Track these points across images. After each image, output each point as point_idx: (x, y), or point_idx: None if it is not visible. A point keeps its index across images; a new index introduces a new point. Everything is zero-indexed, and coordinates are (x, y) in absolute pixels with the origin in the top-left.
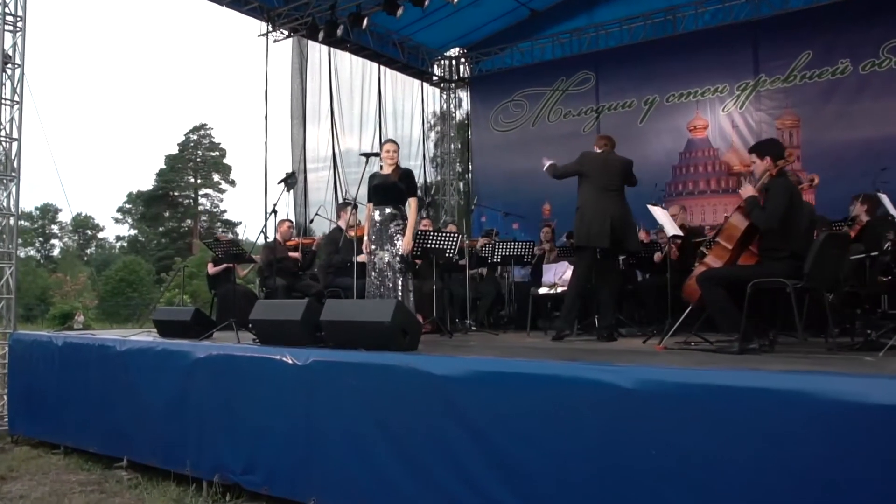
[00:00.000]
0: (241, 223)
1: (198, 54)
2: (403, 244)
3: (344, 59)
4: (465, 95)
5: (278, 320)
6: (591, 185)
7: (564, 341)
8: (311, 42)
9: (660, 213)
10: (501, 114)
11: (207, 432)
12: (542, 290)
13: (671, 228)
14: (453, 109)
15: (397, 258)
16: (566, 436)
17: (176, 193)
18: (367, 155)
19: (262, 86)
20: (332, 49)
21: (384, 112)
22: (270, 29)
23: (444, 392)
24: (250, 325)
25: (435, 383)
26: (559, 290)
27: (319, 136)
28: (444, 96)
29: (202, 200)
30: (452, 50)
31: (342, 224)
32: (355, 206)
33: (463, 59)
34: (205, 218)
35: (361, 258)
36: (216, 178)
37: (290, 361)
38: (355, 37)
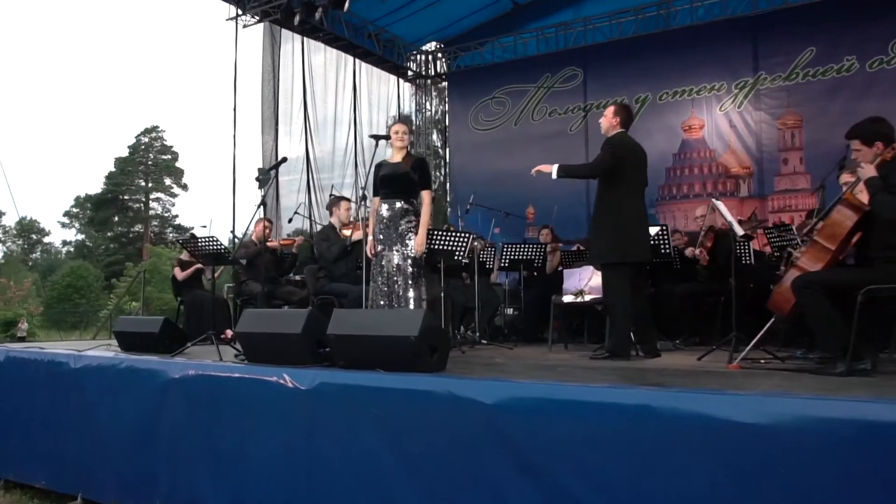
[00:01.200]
0: (206, 224)
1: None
2: (416, 244)
3: (318, 50)
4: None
5: (272, 334)
6: (628, 183)
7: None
8: (283, 31)
9: (725, 210)
10: (482, 112)
11: (183, 466)
12: (567, 299)
13: (739, 228)
14: (429, 107)
15: (408, 261)
16: (667, 480)
17: (126, 197)
18: (378, 137)
19: (219, 85)
20: (305, 39)
21: (359, 109)
22: (240, 12)
23: (498, 427)
24: (232, 339)
25: (485, 415)
26: (588, 298)
27: (292, 133)
28: (420, 93)
29: (153, 205)
30: (429, 44)
31: (335, 222)
32: (365, 197)
33: (440, 55)
34: (156, 223)
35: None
36: (168, 181)
37: (289, 384)
38: (330, 26)
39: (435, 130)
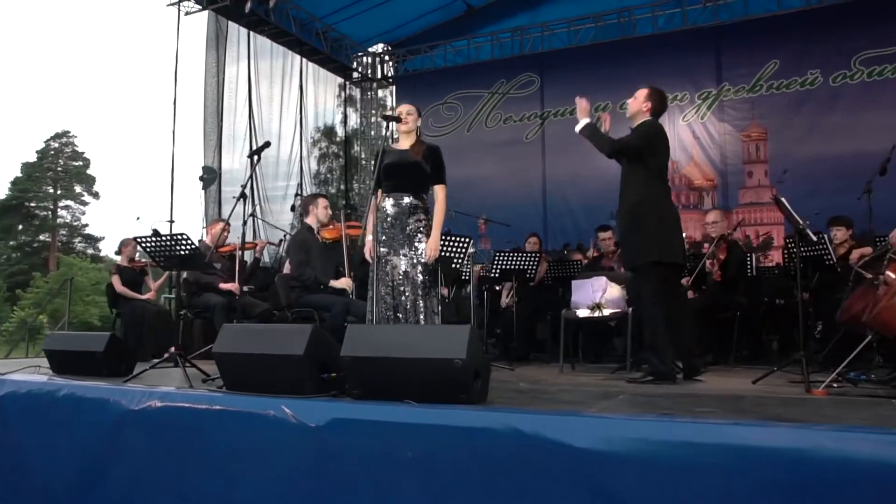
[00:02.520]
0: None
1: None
2: (428, 248)
3: (265, 46)
4: (386, 95)
5: (265, 355)
6: (654, 173)
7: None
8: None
9: (790, 208)
10: (432, 117)
11: None
12: (583, 314)
13: (812, 234)
14: (374, 111)
15: (418, 267)
16: None
17: (32, 204)
18: (388, 118)
19: (133, 89)
20: (251, 32)
21: (305, 112)
22: None
23: (594, 478)
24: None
25: (573, 462)
26: (607, 311)
27: (236, 131)
28: (365, 97)
29: (62, 213)
30: (376, 46)
31: (312, 222)
32: (374, 192)
33: (387, 57)
34: (64, 232)
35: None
36: (78, 189)
37: (291, 420)
38: (277, 19)
39: (356, 141)
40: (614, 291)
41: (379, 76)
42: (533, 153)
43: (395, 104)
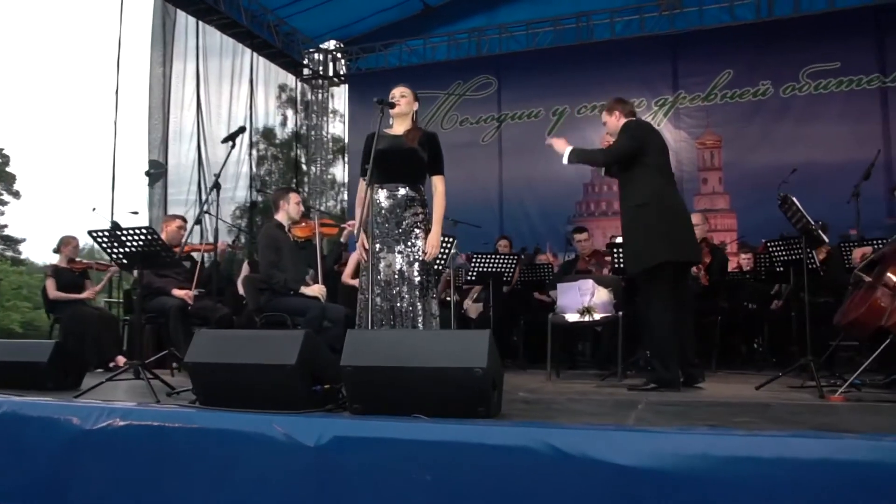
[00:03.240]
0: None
1: None
2: (428, 246)
3: (214, 44)
4: (339, 94)
5: (249, 365)
6: (654, 170)
7: (686, 391)
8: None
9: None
10: (386, 117)
11: None
12: (572, 318)
13: (823, 235)
14: (334, 107)
15: (416, 266)
16: None
17: None
18: (382, 103)
19: (66, 78)
20: (200, 25)
21: (255, 108)
22: None
23: (646, 501)
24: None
25: (620, 481)
26: (598, 316)
27: (182, 129)
28: (316, 94)
29: None
30: (328, 42)
31: (283, 218)
32: (370, 182)
33: (339, 54)
34: None
35: (352, 280)
36: None
37: (284, 439)
38: (227, 9)
39: (296, 144)
40: (602, 295)
41: (331, 74)
42: (489, 156)
43: (346, 104)
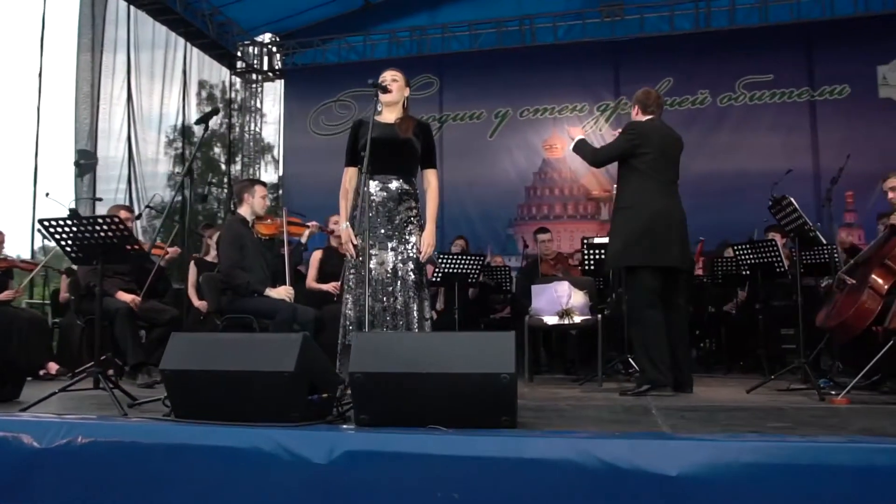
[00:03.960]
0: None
1: None
2: (424, 243)
3: (146, 28)
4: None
5: (239, 373)
6: (648, 173)
7: (679, 396)
8: None
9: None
10: (323, 115)
11: None
12: (551, 321)
13: (823, 239)
14: (259, 105)
15: (409, 264)
16: None
17: None
18: (377, 86)
19: None
20: (131, 9)
21: (188, 101)
22: None
23: None
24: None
25: (673, 496)
26: (577, 319)
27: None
28: (250, 89)
29: None
30: (264, 35)
31: (246, 212)
32: (367, 172)
33: (275, 48)
34: None
35: (330, 286)
36: None
37: (286, 455)
38: None
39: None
40: (579, 297)
41: (266, 68)
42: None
43: (282, 99)
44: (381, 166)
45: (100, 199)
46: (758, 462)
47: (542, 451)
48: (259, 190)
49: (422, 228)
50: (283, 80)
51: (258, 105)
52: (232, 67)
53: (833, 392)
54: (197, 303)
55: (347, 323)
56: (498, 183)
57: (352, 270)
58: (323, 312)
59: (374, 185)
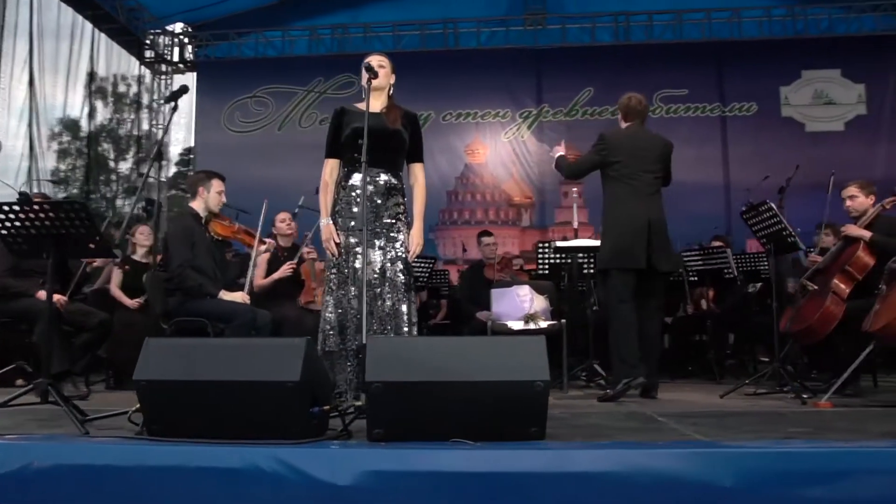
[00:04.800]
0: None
1: None
2: (413, 242)
3: (50, 14)
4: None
5: (233, 384)
6: (618, 180)
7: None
8: None
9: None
10: (239, 111)
11: None
12: (516, 325)
13: (802, 244)
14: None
15: (398, 265)
16: None
17: None
18: (369, 70)
19: None
20: None
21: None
22: None
23: None
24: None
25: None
26: (543, 324)
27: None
28: (158, 81)
29: None
30: (175, 25)
31: (199, 207)
32: (366, 161)
33: (187, 39)
34: None
35: (265, 281)
36: None
37: (293, 477)
38: None
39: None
40: (541, 301)
41: (176, 59)
42: None
43: (195, 93)
44: (369, 158)
45: (56, 182)
46: (814, 470)
47: (590, 463)
48: (216, 184)
49: (409, 226)
50: (195, 73)
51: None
52: (140, 57)
53: (805, 395)
54: (127, 301)
55: (328, 328)
56: None
57: (333, 270)
58: (277, 315)
59: (359, 178)
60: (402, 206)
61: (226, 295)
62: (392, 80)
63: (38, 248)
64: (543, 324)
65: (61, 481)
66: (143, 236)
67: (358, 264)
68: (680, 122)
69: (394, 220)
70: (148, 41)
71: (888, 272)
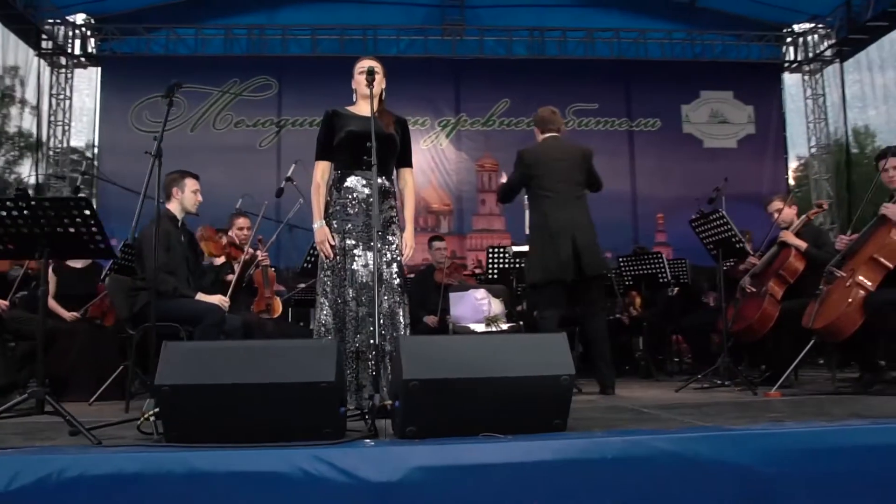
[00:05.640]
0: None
1: None
2: (406, 245)
3: None
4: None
5: (265, 386)
6: (540, 193)
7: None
8: None
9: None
10: (147, 110)
11: None
12: (479, 327)
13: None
14: (69, 94)
15: (394, 267)
16: None
17: None
18: (371, 73)
19: None
20: None
21: None
22: None
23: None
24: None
25: (745, 482)
26: (504, 326)
27: None
28: (57, 75)
29: None
30: (77, 15)
31: (175, 209)
32: (374, 164)
33: (89, 31)
34: None
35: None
36: None
37: (337, 478)
38: None
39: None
40: (498, 305)
41: (77, 52)
42: (268, 162)
43: (98, 90)
44: (363, 161)
45: (62, 178)
46: (826, 447)
47: (619, 450)
48: (190, 183)
49: (401, 229)
50: (98, 68)
51: (68, 93)
52: (37, 48)
53: (755, 387)
54: (65, 314)
55: (323, 330)
56: None
57: (327, 272)
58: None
59: (354, 181)
60: (395, 210)
61: (203, 296)
62: (384, 84)
63: (29, 249)
64: (504, 326)
65: (88, 493)
66: None
67: (356, 266)
68: (591, 134)
69: (388, 223)
70: (46, 31)
71: (827, 275)
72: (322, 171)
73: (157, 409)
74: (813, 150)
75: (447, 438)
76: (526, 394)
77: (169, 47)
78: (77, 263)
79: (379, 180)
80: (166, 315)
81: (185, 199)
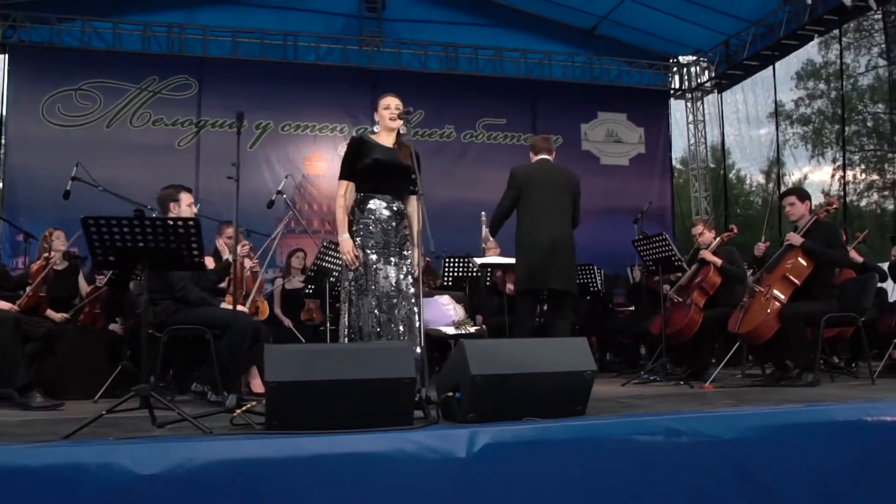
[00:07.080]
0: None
1: None
2: (417, 259)
3: None
4: None
5: (358, 381)
6: (532, 210)
7: None
8: None
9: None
10: (61, 103)
11: None
12: (450, 331)
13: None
14: None
15: (409, 279)
16: None
17: None
18: (408, 113)
19: None
20: None
21: None
22: None
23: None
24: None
25: (725, 453)
26: (471, 328)
27: None
28: None
29: None
30: None
31: (177, 211)
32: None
33: None
34: None
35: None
36: None
37: (430, 454)
38: None
39: None
40: (461, 310)
41: None
42: (186, 162)
43: (6, 78)
44: (386, 187)
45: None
46: (785, 424)
47: (630, 430)
48: (185, 197)
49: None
50: (5, 56)
51: None
52: None
53: (682, 381)
54: (55, 316)
55: (351, 332)
56: (257, 194)
57: (352, 283)
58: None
59: (381, 205)
60: (408, 230)
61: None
62: (401, 122)
63: (130, 261)
64: (472, 329)
65: (225, 476)
66: (59, 241)
67: (378, 278)
68: (499, 148)
69: (404, 241)
70: None
71: (749, 289)
72: (345, 189)
73: (253, 404)
74: (692, 170)
75: (501, 422)
76: (558, 386)
77: (84, 39)
78: (59, 265)
79: (396, 204)
80: (197, 320)
81: (182, 213)
